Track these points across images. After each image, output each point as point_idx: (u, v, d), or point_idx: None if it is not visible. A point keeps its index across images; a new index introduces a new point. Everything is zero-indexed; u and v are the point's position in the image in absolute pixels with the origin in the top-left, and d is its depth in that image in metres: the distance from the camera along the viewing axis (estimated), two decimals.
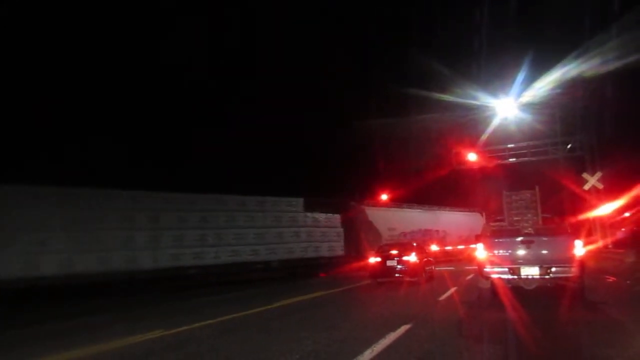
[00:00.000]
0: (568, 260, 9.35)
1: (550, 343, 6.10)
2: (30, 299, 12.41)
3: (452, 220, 33.18)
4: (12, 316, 10.75)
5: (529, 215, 10.72)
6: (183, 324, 8.31)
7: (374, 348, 5.73)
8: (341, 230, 23.75)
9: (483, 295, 10.35)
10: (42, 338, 8.26)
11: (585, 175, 21.76)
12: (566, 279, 9.46)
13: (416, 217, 29.64)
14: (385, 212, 27.54)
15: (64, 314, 11.03)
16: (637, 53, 15.78)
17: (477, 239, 10.61)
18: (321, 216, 22.74)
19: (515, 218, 10.87)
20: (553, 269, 9.39)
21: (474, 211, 36.08)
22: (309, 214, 22.02)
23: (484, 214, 33.40)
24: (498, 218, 11.78)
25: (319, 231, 22.45)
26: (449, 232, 31.62)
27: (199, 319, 8.78)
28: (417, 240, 22.99)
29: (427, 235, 28.73)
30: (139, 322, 9.39)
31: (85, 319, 10.31)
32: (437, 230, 30.73)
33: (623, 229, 23.24)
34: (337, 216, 23.66)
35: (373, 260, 15.58)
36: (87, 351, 6.62)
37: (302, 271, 20.64)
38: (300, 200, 21.64)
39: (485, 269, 10.00)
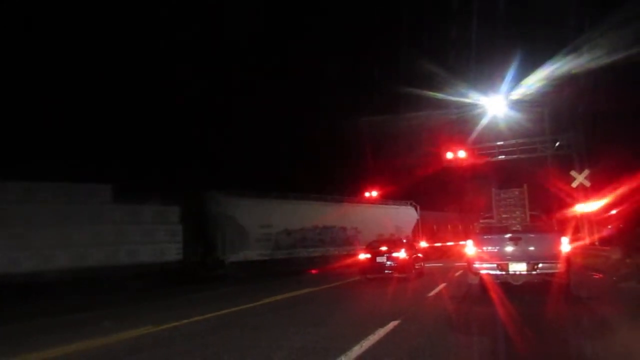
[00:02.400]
0: (554, 256, 9.58)
1: (537, 337, 6.16)
2: None
3: (371, 215, 27.76)
4: None
5: (517, 212, 10.88)
6: None
7: (363, 344, 5.74)
8: (179, 227, 18.34)
9: (472, 291, 10.52)
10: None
11: (573, 173, 21.96)
12: (552, 275, 9.71)
13: (311, 212, 23.87)
14: (259, 204, 21.27)
15: None
16: (625, 51, 15.96)
17: (466, 236, 10.83)
18: (144, 209, 17.62)
19: (504, 215, 11.02)
20: (540, 265, 9.64)
21: (404, 204, 31.63)
22: (121, 206, 16.70)
23: (418, 207, 31.29)
24: (487, 215, 11.93)
25: (140, 229, 17.11)
26: (363, 230, 25.98)
27: None
28: (313, 239, 22.48)
29: (324, 235, 24.01)
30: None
31: None
32: (344, 228, 25.32)
33: (609, 226, 23.52)
34: (176, 209, 18.50)
35: (363, 256, 15.69)
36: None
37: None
38: (108, 187, 16.44)
39: (474, 265, 10.25)
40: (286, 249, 21.79)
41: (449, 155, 26.08)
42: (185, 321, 8.05)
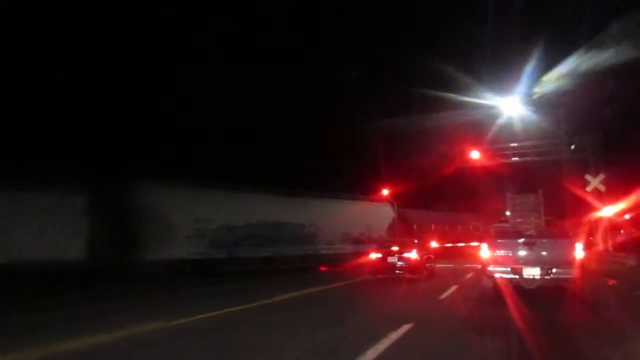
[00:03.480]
0: (568, 262, 9.69)
1: (551, 343, 6.13)
2: None
3: (336, 212, 24.74)
4: None
5: (532, 217, 10.86)
6: None
7: (377, 347, 5.71)
8: (85, 220, 15.58)
9: (485, 294, 10.53)
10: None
11: (587, 177, 21.72)
12: (566, 280, 9.77)
13: (261, 206, 21.04)
14: (193, 195, 18.52)
15: None
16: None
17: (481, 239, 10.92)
18: (35, 198, 14.68)
19: (519, 220, 11.02)
20: (554, 270, 9.74)
21: (378, 201, 29.11)
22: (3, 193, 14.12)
23: (395, 204, 29.29)
24: (502, 219, 11.94)
25: (27, 222, 14.27)
26: (325, 227, 23.61)
27: None
28: (261, 236, 20.05)
29: (277, 232, 21.26)
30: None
31: None
32: (302, 225, 22.75)
33: (622, 232, 23.26)
34: (79, 198, 15.62)
35: (374, 256, 15.68)
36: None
37: None
38: None
39: (488, 268, 10.36)
40: (227, 247, 19.02)
41: (464, 156, 25.94)
42: None
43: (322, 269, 21.56)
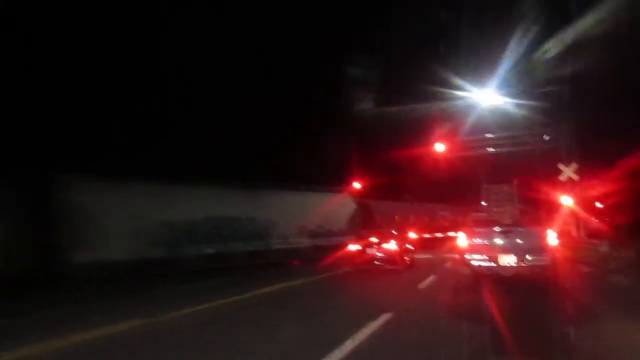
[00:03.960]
0: (543, 249, 10.01)
1: (526, 327, 6.33)
2: None
3: (292, 204, 23.35)
4: None
5: (508, 207, 11.08)
6: None
7: (356, 337, 5.73)
8: None
9: (462, 282, 10.73)
10: None
11: (561, 166, 22.16)
12: (541, 267, 10.03)
13: (207, 201, 19.54)
14: (127, 190, 16.88)
15: None
16: (615, 45, 16.08)
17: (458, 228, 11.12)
18: None
19: (495, 209, 11.23)
20: (529, 258, 10.01)
21: (337, 192, 26.82)
22: None
23: (356, 195, 27.43)
24: (479, 209, 12.15)
25: None
26: (280, 221, 22.38)
27: None
28: (207, 233, 18.82)
29: (225, 228, 20.01)
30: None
31: None
32: (253, 219, 21.36)
33: (596, 220, 23.84)
34: None
35: (353, 247, 15.71)
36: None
37: None
38: None
39: (466, 257, 10.60)
40: (168, 246, 17.53)
41: (437, 147, 26.15)
42: None
43: (296, 262, 21.39)
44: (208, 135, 24.65)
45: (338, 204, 26.56)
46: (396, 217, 35.85)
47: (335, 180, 26.95)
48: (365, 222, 27.42)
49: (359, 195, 28.91)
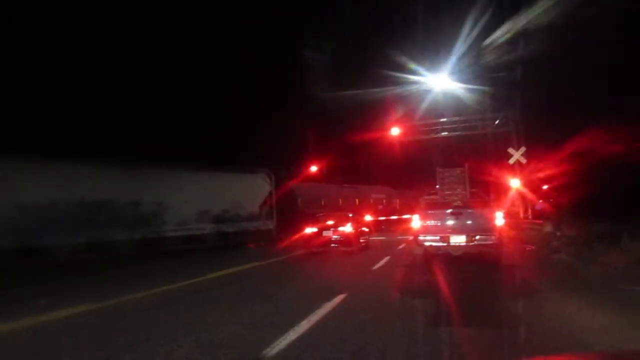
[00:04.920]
0: (490, 229, 10.55)
1: (474, 301, 6.76)
2: None
3: (189, 185, 20.34)
4: None
5: (459, 190, 11.46)
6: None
7: (311, 318, 5.81)
8: None
9: (415, 262, 11.14)
10: None
11: (510, 150, 22.99)
12: (488, 246, 10.55)
13: (78, 180, 16.12)
14: None
15: None
16: (561, 32, 16.71)
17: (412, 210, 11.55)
18: None
19: (447, 192, 11.57)
20: (477, 237, 10.54)
21: (250, 172, 24.09)
22: None
23: (272, 177, 24.73)
24: (432, 192, 12.47)
25: None
26: (173, 204, 19.34)
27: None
28: (74, 218, 15.41)
29: (99, 212, 16.46)
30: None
31: None
32: (137, 203, 18.13)
33: (540, 201, 24.93)
34: None
35: (309, 230, 15.80)
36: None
37: None
38: None
39: (419, 237, 11.03)
40: (19, 235, 14.19)
41: (392, 131, 26.54)
42: None
43: (250, 245, 21.21)
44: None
45: (250, 186, 23.82)
46: (370, 199, 36.24)
47: (258, 162, 25.04)
48: (286, 205, 25.87)
49: (282, 177, 26.89)
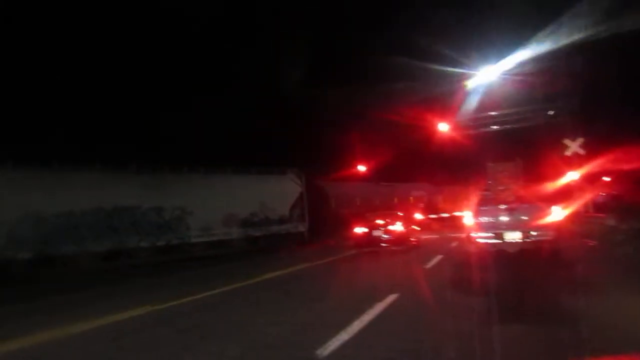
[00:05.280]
0: (546, 225, 10.25)
1: (531, 299, 6.55)
2: None
3: (215, 189, 19.98)
4: None
5: (512, 184, 11.18)
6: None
7: (363, 318, 5.82)
8: None
9: (469, 260, 10.91)
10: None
11: (566, 141, 22.05)
12: (545, 241, 10.22)
13: (95, 186, 16.17)
14: None
15: None
16: (616, 20, 15.87)
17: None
18: None
19: (500, 188, 11.32)
20: (533, 233, 10.25)
21: (279, 173, 23.44)
22: None
23: (303, 177, 23.88)
24: (484, 188, 12.25)
25: None
26: (198, 210, 18.97)
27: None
28: (94, 226, 15.63)
29: (119, 220, 16.64)
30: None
31: None
32: (160, 209, 18.01)
33: (602, 194, 23.78)
34: None
35: (359, 230, 15.81)
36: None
37: None
38: None
39: (472, 235, 10.89)
40: (34, 245, 14.30)
41: (440, 127, 26.06)
42: None
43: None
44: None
45: (278, 187, 23.12)
46: (410, 197, 35.47)
47: (289, 162, 24.21)
48: (316, 206, 24.97)
49: (312, 177, 25.86)
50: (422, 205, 35.04)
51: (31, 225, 14.27)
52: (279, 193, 22.98)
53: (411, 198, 35.40)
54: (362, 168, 32.44)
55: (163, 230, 17.80)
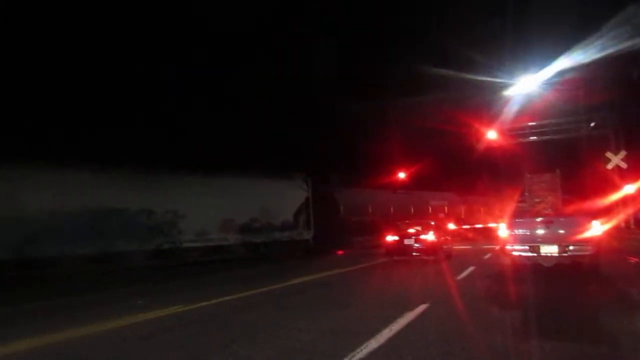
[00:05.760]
0: (585, 239, 9.87)
1: (568, 314, 6.31)
2: None
3: (210, 193, 18.95)
4: None
5: (550, 196, 10.90)
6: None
7: (392, 327, 5.77)
8: None
9: (503, 272, 10.71)
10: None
11: (608, 154, 21.34)
12: (583, 257, 9.90)
13: (84, 187, 15.42)
14: None
15: None
16: None
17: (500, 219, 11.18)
18: None
19: (536, 199, 11.08)
20: (570, 248, 9.91)
21: (283, 177, 22.40)
22: None
23: (309, 182, 22.87)
24: (520, 199, 12.01)
25: None
26: (190, 213, 17.88)
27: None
28: (78, 229, 14.52)
29: (105, 223, 15.58)
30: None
31: None
32: (150, 212, 17.00)
33: None
34: None
35: (390, 238, 15.70)
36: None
37: None
38: None
39: (507, 247, 10.63)
40: (15, 245, 13.54)
41: (481, 136, 25.68)
42: None
43: (339, 252, 21.45)
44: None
45: (282, 192, 22.07)
46: (445, 208, 34.73)
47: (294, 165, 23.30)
48: (324, 213, 24.01)
49: (323, 182, 25.13)
50: (443, 214, 33.80)
51: (11, 226, 13.50)
52: (282, 198, 22.03)
53: (429, 207, 33.91)
54: (397, 175, 32.35)
55: (150, 236, 16.80)
